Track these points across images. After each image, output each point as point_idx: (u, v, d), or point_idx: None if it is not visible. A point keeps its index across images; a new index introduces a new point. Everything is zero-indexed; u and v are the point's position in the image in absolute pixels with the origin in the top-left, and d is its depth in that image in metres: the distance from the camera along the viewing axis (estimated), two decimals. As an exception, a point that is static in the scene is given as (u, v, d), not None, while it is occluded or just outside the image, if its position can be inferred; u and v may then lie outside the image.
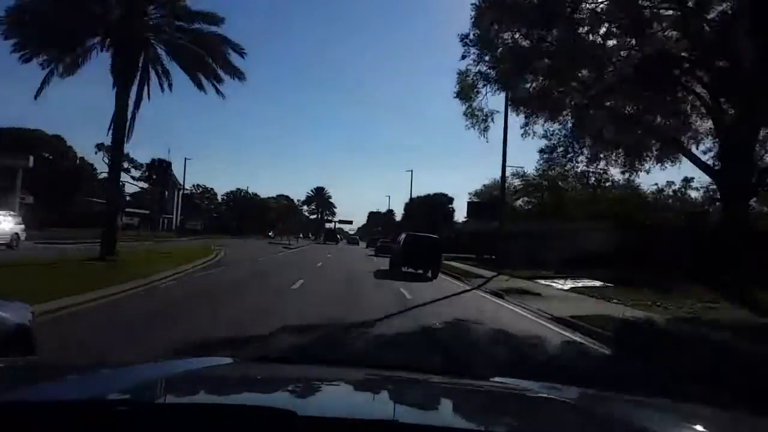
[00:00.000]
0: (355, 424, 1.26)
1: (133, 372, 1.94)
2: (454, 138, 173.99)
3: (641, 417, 1.70)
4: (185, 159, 64.49)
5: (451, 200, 62.81)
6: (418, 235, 26.28)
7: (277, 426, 1.16)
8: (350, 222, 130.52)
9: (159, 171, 65.10)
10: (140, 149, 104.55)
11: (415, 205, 58.08)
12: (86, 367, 2.21)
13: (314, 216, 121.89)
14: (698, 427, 1.71)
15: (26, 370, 2.03)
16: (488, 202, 43.03)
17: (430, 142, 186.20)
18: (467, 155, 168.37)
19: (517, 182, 45.35)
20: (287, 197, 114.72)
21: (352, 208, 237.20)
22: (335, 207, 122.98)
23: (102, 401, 1.37)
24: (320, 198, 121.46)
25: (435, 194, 63.15)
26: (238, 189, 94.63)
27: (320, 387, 2.01)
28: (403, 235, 26.80)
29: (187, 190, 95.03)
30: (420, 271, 24.37)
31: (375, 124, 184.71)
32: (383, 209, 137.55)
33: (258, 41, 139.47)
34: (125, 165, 69.64)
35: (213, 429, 1.18)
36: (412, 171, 59.60)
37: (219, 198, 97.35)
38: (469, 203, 45.16)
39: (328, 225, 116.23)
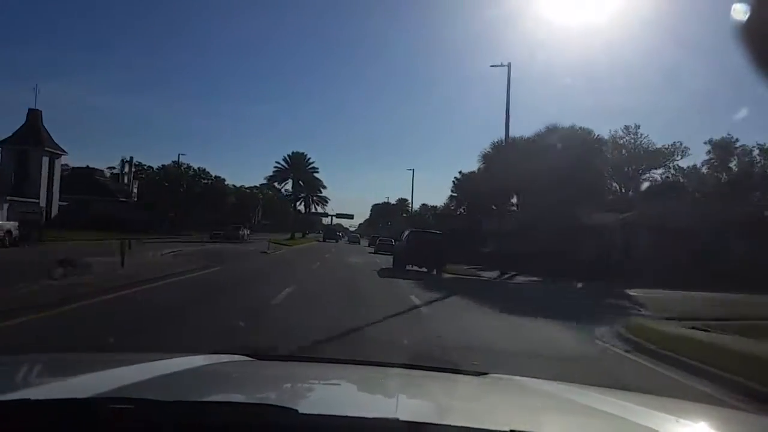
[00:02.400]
0: (357, 422, 1.23)
1: (133, 369, 1.82)
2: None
3: (640, 413, 1.63)
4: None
5: (599, 144, 26.07)
6: (423, 232, 26.49)
7: (278, 423, 1.15)
8: (351, 216, 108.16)
9: None
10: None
11: (507, 150, 22.45)
12: (86, 364, 2.14)
13: (298, 204, 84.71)
14: (699, 425, 1.66)
15: (25, 368, 1.93)
16: None
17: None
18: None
19: None
20: (274, 186, 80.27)
21: (350, 202, 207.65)
22: (324, 186, 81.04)
23: (101, 399, 1.28)
24: (299, 171, 75.47)
25: (572, 128, 26.24)
26: (174, 162, 59.76)
27: (321, 385, 2.03)
28: (407, 233, 26.34)
29: (116, 169, 61.40)
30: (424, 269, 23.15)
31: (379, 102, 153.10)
32: (391, 202, 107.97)
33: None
34: None
35: (214, 427, 1.14)
36: (508, 66, 23.72)
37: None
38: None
39: (324, 220, 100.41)
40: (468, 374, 2.31)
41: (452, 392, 2.00)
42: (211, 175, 62.61)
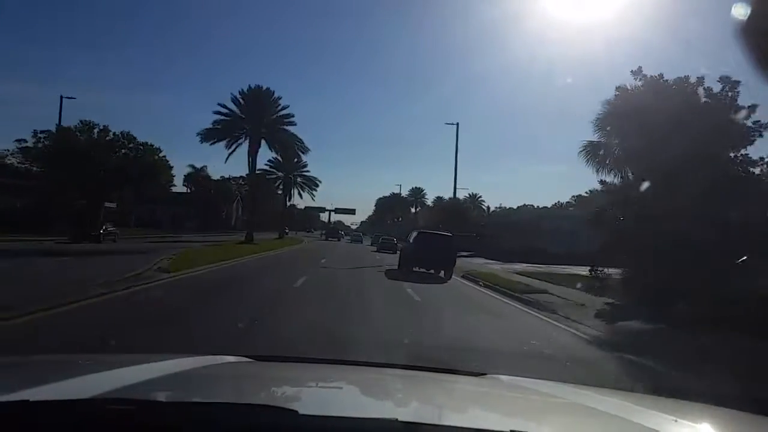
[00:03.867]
0: (356, 423, 1.25)
1: (133, 370, 1.84)
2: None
3: (638, 413, 1.67)
4: None
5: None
6: (431, 232, 25.73)
7: (279, 424, 1.16)
8: (352, 211, 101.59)
9: None
10: None
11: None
12: (86, 365, 2.14)
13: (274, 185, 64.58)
14: (697, 425, 1.66)
15: (24, 368, 1.99)
16: None
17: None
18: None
19: None
20: (263, 174, 66.27)
21: (350, 196, 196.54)
22: (305, 148, 50.65)
23: (102, 400, 1.30)
24: (261, 121, 41.30)
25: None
26: (77, 125, 39.31)
27: (322, 386, 2.06)
28: (414, 233, 25.68)
29: (28, 143, 41.44)
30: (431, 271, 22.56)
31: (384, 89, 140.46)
32: (402, 194, 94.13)
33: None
34: None
35: (215, 428, 1.16)
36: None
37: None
38: None
39: (322, 216, 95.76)
40: (467, 375, 2.38)
41: (451, 393, 2.05)
42: (138, 142, 40.46)
